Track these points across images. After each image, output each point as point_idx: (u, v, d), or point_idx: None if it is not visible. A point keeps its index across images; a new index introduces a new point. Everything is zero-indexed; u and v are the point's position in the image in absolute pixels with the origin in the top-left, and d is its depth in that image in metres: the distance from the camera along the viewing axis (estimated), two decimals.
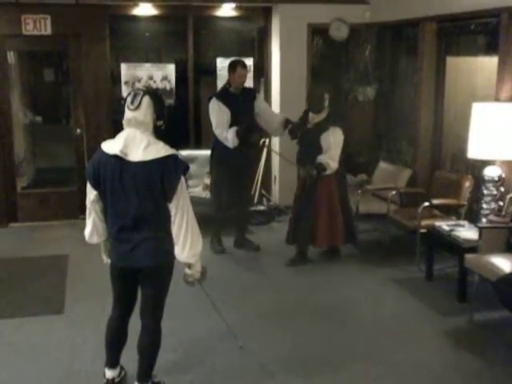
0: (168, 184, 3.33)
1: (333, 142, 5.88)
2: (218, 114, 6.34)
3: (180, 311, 4.99)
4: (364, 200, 6.83)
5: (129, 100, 3.42)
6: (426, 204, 6.00)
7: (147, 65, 8.26)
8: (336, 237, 6.19)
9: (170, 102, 8.36)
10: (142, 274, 3.55)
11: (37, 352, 4.47)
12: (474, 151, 5.56)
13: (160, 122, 3.47)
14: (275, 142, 8.05)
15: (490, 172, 5.56)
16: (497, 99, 5.69)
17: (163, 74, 8.22)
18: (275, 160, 8.27)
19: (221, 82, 8.26)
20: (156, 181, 3.31)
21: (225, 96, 6.43)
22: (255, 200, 7.03)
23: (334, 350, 4.55)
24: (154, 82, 8.17)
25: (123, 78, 8.08)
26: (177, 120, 8.79)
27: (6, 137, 7.74)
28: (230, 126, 6.28)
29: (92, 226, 3.58)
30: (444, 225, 5.68)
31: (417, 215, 5.98)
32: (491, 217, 5.36)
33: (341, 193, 6.17)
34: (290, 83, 7.84)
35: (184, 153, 8.05)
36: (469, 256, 5.01)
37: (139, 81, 8.12)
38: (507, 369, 4.23)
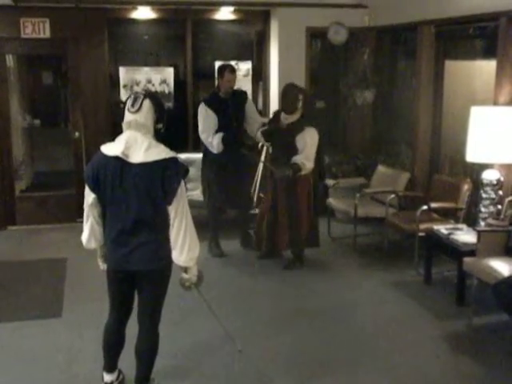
0: (169, 186, 3.33)
1: (308, 142, 5.86)
2: (204, 119, 6.37)
3: (178, 316, 4.98)
4: (362, 203, 6.83)
5: (129, 103, 3.42)
6: (425, 207, 6.00)
7: (146, 68, 8.25)
8: (312, 238, 6.26)
9: (168, 105, 8.35)
10: (139, 278, 3.54)
11: (35, 355, 4.46)
12: (472, 155, 5.57)
13: (160, 125, 3.48)
14: None
15: (489, 175, 5.56)
16: (495, 103, 5.69)
17: (162, 78, 8.22)
18: None
19: None
20: (157, 183, 3.31)
21: (213, 101, 6.44)
22: (254, 202, 7.03)
23: (332, 353, 4.54)
24: (153, 85, 8.17)
25: (122, 82, 8.07)
26: (175, 123, 8.79)
27: (4, 140, 7.73)
28: (219, 130, 6.29)
29: (90, 231, 3.54)
30: (442, 228, 5.68)
31: (415, 219, 5.98)
32: (490, 220, 5.36)
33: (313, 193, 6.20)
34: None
35: (183, 156, 8.06)
36: (467, 259, 5.02)
37: (138, 84, 8.12)
38: (506, 373, 4.23)
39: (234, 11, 8.23)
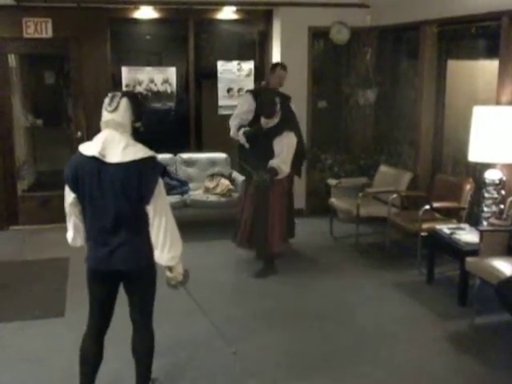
0: (145, 186, 3.29)
1: (286, 146, 5.83)
2: (241, 105, 6.39)
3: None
4: (365, 203, 6.82)
5: (106, 102, 3.39)
6: (427, 207, 6.00)
7: (148, 68, 8.26)
8: (283, 240, 6.20)
9: (170, 105, 8.37)
10: (123, 279, 3.51)
11: (37, 355, 4.47)
12: (474, 154, 5.57)
13: (138, 124, 3.45)
14: None
15: (491, 175, 5.56)
16: (498, 103, 5.69)
17: (164, 77, 8.22)
18: None
19: (222, 85, 8.29)
20: (133, 182, 3.27)
21: (259, 94, 6.38)
22: None
23: (334, 353, 4.54)
24: (155, 85, 8.17)
25: (124, 81, 8.07)
26: (178, 123, 8.81)
27: (6, 140, 7.74)
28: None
29: (74, 229, 3.50)
30: (445, 228, 5.67)
31: (418, 218, 5.98)
32: (492, 220, 5.36)
33: (288, 196, 6.19)
34: (291, 86, 7.82)
35: (185, 156, 8.08)
36: (470, 259, 5.01)
37: (140, 84, 8.12)
38: (508, 372, 4.22)
39: (237, 11, 8.23)
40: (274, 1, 7.92)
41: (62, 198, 3.50)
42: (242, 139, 6.14)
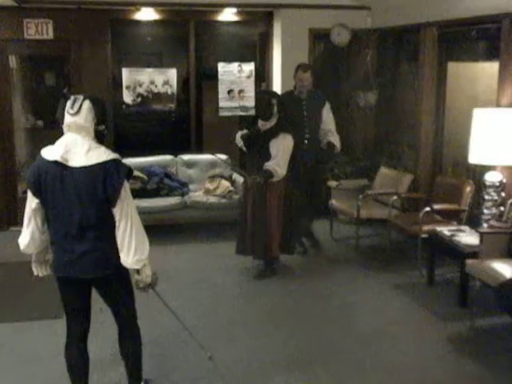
0: (111, 188, 3.23)
1: (281, 148, 5.78)
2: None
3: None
4: (365, 205, 6.82)
5: (69, 104, 3.30)
6: (427, 209, 5.99)
7: (149, 69, 8.26)
8: (283, 245, 6.10)
9: (171, 106, 8.38)
10: (94, 284, 3.47)
11: (36, 356, 4.46)
12: (475, 156, 5.57)
13: (102, 127, 3.38)
14: None
15: (491, 177, 5.56)
16: (498, 105, 5.69)
17: (165, 79, 8.22)
18: None
19: (222, 87, 8.30)
20: (98, 186, 3.22)
21: (286, 97, 6.42)
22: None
23: (334, 355, 4.54)
24: (156, 86, 8.18)
25: (125, 83, 8.08)
26: (178, 125, 8.82)
27: (7, 141, 7.75)
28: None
29: (30, 237, 3.44)
30: (445, 230, 5.67)
31: (418, 220, 5.98)
32: (492, 222, 5.36)
33: (287, 199, 6.06)
34: (292, 88, 7.83)
35: (185, 157, 8.08)
36: (470, 261, 5.01)
37: (141, 85, 8.13)
38: (508, 374, 4.22)
39: (237, 12, 8.24)
40: (275, 2, 7.92)
41: None
42: (240, 143, 6.13)
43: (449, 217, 6.28)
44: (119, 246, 3.32)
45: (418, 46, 7.11)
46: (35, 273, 3.65)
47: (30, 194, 3.36)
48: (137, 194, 7.29)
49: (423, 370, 4.31)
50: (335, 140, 6.52)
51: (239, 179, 7.40)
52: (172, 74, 8.27)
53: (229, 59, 8.37)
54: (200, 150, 8.50)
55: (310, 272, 6.25)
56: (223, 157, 8.07)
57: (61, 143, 3.29)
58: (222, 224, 7.31)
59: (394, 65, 8.05)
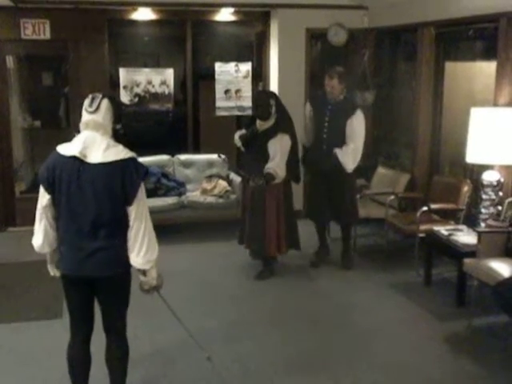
0: (130, 186, 3.26)
1: (279, 149, 5.77)
2: (304, 115, 6.41)
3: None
4: (362, 205, 6.82)
5: (87, 103, 3.35)
6: (425, 209, 6.00)
7: (146, 69, 8.26)
8: (281, 245, 6.06)
9: (168, 106, 8.37)
10: (98, 285, 3.44)
11: (35, 356, 4.46)
12: (472, 156, 5.58)
13: (119, 126, 3.44)
14: None
15: (489, 176, 5.56)
16: (495, 104, 5.70)
17: (162, 79, 8.22)
18: None
19: (219, 87, 8.30)
20: (117, 183, 3.24)
21: (316, 96, 6.44)
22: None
23: (332, 354, 4.55)
24: (153, 86, 8.17)
25: (122, 83, 8.07)
26: (175, 124, 8.81)
27: (4, 141, 7.74)
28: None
29: (43, 235, 3.42)
30: (442, 229, 5.67)
31: (415, 220, 5.98)
32: (490, 221, 5.36)
33: (286, 200, 6.05)
34: (289, 88, 7.84)
35: (182, 157, 8.08)
36: (467, 260, 5.02)
37: (138, 85, 8.12)
38: (506, 374, 4.23)
39: (234, 12, 8.23)
40: (272, 2, 7.92)
41: None
42: (239, 143, 6.12)
43: (446, 216, 6.29)
44: (130, 246, 3.34)
45: (416, 45, 7.11)
46: (52, 274, 3.64)
47: (41, 191, 3.36)
48: None
49: (421, 370, 4.31)
50: (343, 155, 6.04)
51: (236, 179, 7.41)
52: (169, 73, 8.27)
53: (226, 59, 8.37)
54: (197, 150, 8.50)
55: (307, 272, 6.26)
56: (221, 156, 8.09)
57: (79, 140, 3.33)
58: (220, 224, 7.31)
59: (391, 64, 8.05)
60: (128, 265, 3.38)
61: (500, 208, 5.48)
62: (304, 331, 4.94)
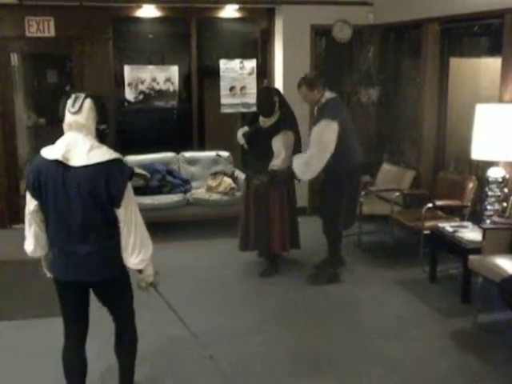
0: (114, 189, 3.17)
1: (284, 146, 5.74)
2: None
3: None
4: (367, 201, 6.82)
5: (69, 103, 3.23)
6: (430, 205, 5.99)
7: (150, 67, 8.27)
8: (285, 243, 6.05)
9: (173, 103, 8.38)
10: (94, 289, 3.41)
11: (35, 354, 4.47)
12: (477, 152, 5.56)
13: (103, 126, 3.32)
14: None
15: (494, 173, 5.55)
16: (500, 100, 5.68)
17: (166, 76, 8.23)
18: None
19: (224, 84, 8.30)
20: (101, 186, 3.14)
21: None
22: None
23: (336, 351, 4.54)
24: (158, 83, 8.18)
25: (126, 80, 8.09)
26: (180, 122, 8.82)
27: (9, 139, 7.75)
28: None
29: (34, 239, 3.36)
30: (448, 226, 5.67)
31: (420, 216, 5.97)
32: (495, 218, 5.36)
33: (290, 198, 6.03)
34: (293, 84, 7.78)
35: (187, 154, 8.08)
36: (472, 257, 5.00)
37: (142, 83, 8.13)
38: (511, 370, 4.22)
39: (239, 9, 8.23)
40: None
41: None
42: (242, 140, 6.11)
43: (451, 213, 6.28)
44: (123, 247, 3.28)
45: (420, 41, 7.10)
46: (48, 275, 3.57)
47: (28, 196, 3.29)
48: (139, 191, 7.31)
49: (425, 366, 4.30)
50: (295, 163, 5.73)
51: (241, 176, 7.41)
52: (174, 71, 8.28)
53: (230, 56, 8.37)
54: (202, 147, 8.51)
55: (312, 268, 6.24)
56: (225, 154, 8.09)
57: (62, 142, 3.23)
58: (225, 221, 7.31)
59: (396, 61, 8.04)
60: (123, 265, 3.34)
61: (505, 204, 5.47)
62: (309, 328, 4.94)
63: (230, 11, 8.24)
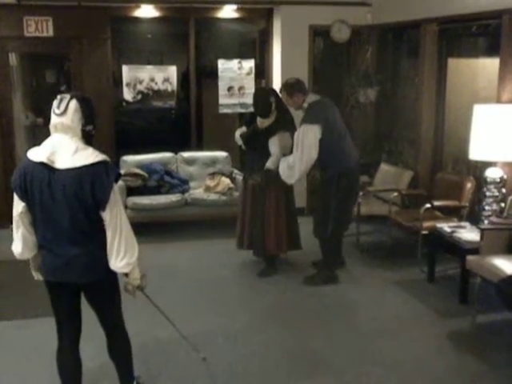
0: (100, 192, 3.12)
1: (279, 147, 5.74)
2: None
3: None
4: (365, 202, 6.83)
5: (55, 104, 3.19)
6: (428, 205, 5.99)
7: (149, 67, 8.27)
8: (281, 244, 6.03)
9: (171, 103, 8.38)
10: (83, 290, 3.41)
11: (38, 353, 4.47)
12: (475, 153, 5.57)
13: (89, 127, 3.25)
14: None
15: (492, 173, 5.56)
16: (498, 101, 5.69)
17: (165, 76, 8.22)
18: None
19: (222, 84, 8.30)
20: (86, 189, 3.10)
21: None
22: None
23: (335, 351, 4.54)
24: (156, 83, 8.18)
25: (125, 80, 8.08)
26: (178, 122, 8.82)
27: (7, 138, 7.75)
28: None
29: (22, 241, 3.34)
30: (446, 226, 5.67)
31: (418, 217, 5.98)
32: (493, 218, 5.36)
33: (287, 198, 6.02)
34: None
35: (185, 154, 8.08)
36: (470, 257, 5.01)
37: (141, 82, 8.13)
38: (509, 371, 4.22)
39: (237, 9, 8.22)
40: None
41: None
42: (239, 141, 6.11)
43: (449, 213, 6.28)
44: (108, 250, 3.24)
45: (419, 42, 7.10)
46: (36, 278, 3.58)
47: (16, 198, 3.26)
48: (137, 191, 7.33)
49: (424, 366, 4.31)
50: (280, 166, 5.75)
51: (239, 176, 7.41)
52: (172, 71, 8.27)
53: (229, 56, 8.37)
54: (200, 147, 8.51)
55: (310, 269, 6.23)
56: (223, 153, 8.09)
57: (47, 144, 3.20)
58: (223, 221, 7.31)
59: (394, 61, 8.04)
60: (109, 268, 3.30)
61: (503, 205, 5.48)
62: (307, 328, 4.94)
63: (228, 11, 8.24)
